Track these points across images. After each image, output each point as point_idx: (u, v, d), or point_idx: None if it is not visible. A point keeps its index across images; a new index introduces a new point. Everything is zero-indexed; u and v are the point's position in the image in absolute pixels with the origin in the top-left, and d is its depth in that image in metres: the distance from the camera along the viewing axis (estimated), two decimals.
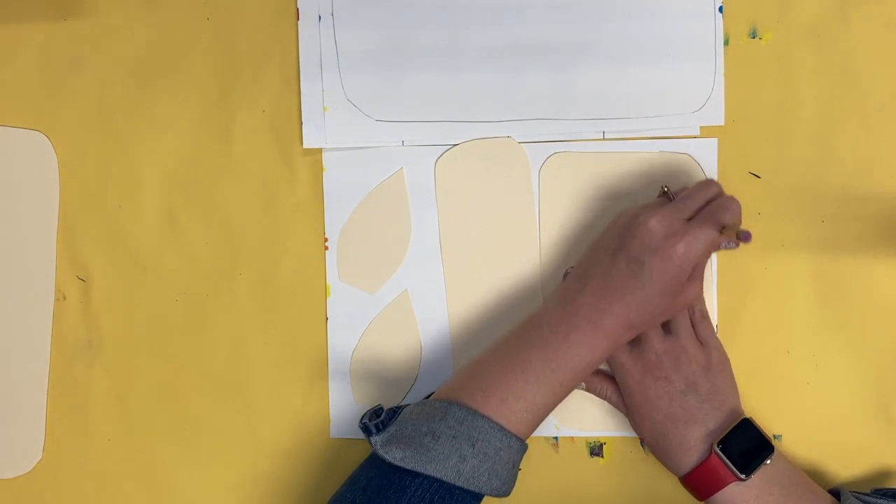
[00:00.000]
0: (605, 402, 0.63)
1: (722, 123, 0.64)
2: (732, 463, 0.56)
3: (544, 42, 0.65)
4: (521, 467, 0.58)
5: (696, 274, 0.60)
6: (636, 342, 0.60)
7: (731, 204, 0.59)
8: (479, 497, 0.57)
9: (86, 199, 0.67)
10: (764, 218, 0.64)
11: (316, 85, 0.66)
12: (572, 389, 0.59)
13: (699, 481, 0.58)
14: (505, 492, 0.58)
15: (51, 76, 0.67)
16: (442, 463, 0.55)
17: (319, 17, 0.66)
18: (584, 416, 0.65)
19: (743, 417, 0.58)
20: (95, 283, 0.67)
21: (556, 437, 0.65)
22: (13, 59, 0.67)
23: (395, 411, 0.58)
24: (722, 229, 0.58)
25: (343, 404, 0.66)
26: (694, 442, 0.58)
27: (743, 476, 0.56)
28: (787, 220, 0.64)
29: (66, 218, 0.67)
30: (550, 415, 0.64)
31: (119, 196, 0.67)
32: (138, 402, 0.67)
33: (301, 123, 0.66)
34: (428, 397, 0.60)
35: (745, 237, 0.57)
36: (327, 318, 0.66)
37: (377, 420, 0.57)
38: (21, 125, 0.68)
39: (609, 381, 0.63)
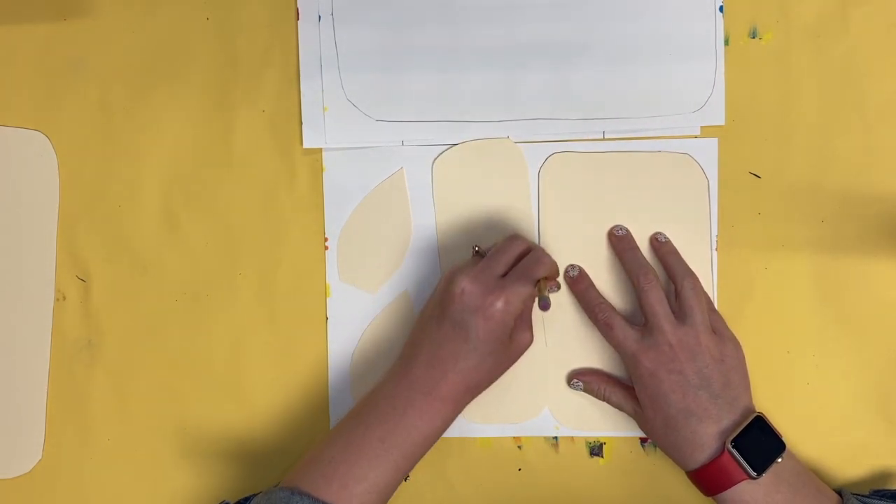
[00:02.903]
0: (605, 402, 0.63)
1: (722, 123, 0.64)
2: (746, 461, 0.56)
3: (544, 42, 0.65)
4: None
5: (522, 324, 0.60)
6: (648, 331, 0.60)
7: (543, 256, 0.60)
8: None
9: (86, 199, 0.67)
10: (764, 218, 0.64)
11: (316, 85, 0.66)
12: (420, 458, 0.58)
13: (710, 478, 0.57)
14: None
15: (51, 76, 0.67)
16: None
17: (319, 17, 0.66)
18: (584, 416, 0.65)
19: (756, 414, 0.58)
20: (95, 283, 0.67)
21: (555, 437, 0.65)
22: (13, 59, 0.67)
23: None
24: (538, 282, 0.58)
25: (343, 404, 0.66)
26: (707, 438, 0.57)
27: (755, 475, 0.56)
28: (787, 220, 0.64)
29: (66, 218, 0.67)
30: (550, 415, 0.64)
31: (119, 196, 0.67)
32: (138, 402, 0.67)
33: (301, 123, 0.66)
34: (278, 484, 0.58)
35: (543, 306, 0.58)
36: (327, 318, 0.66)
37: None
38: (21, 125, 0.68)
39: (608, 382, 0.63)
